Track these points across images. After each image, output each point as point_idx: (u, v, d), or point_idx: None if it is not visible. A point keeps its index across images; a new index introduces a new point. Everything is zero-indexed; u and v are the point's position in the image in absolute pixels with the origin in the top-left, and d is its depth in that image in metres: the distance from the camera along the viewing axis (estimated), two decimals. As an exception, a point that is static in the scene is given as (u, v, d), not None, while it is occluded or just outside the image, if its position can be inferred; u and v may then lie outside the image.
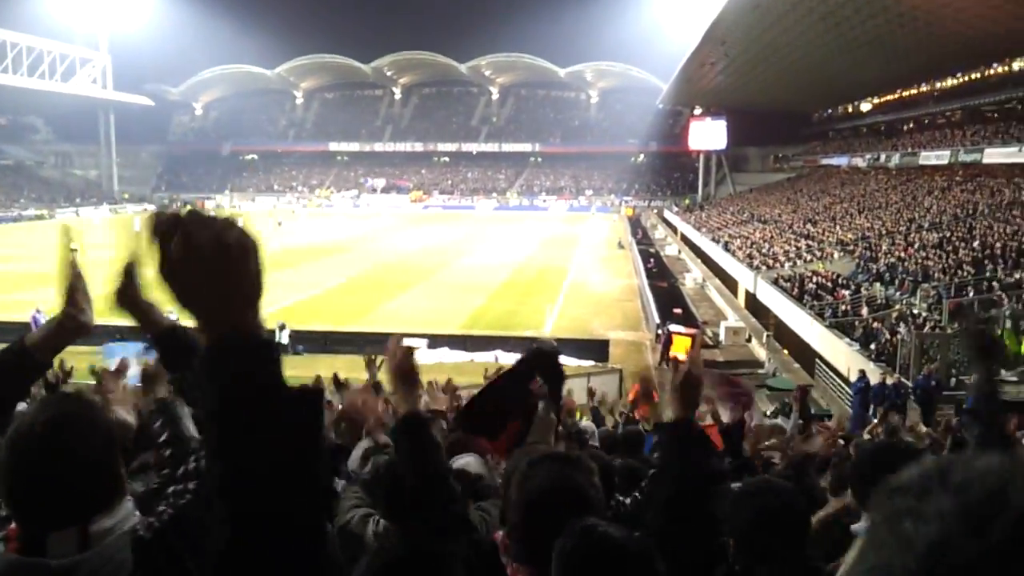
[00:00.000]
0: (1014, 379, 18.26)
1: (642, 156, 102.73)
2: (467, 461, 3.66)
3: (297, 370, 21.65)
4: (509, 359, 24.99)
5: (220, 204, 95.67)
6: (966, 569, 0.58)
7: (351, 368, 23.45)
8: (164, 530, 1.59)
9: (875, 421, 11.65)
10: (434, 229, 67.42)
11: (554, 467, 1.95)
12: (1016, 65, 49.41)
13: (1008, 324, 19.43)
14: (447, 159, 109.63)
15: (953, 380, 17.67)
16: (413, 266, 44.07)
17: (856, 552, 0.66)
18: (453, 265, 45.13)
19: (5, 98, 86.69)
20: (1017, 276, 23.77)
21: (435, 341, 25.64)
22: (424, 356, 24.92)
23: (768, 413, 16.18)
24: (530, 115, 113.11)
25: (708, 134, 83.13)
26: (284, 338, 25.07)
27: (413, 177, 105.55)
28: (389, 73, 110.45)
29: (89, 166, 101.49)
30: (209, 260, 1.07)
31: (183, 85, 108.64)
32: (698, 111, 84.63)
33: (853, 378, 18.20)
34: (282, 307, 31.08)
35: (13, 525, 1.54)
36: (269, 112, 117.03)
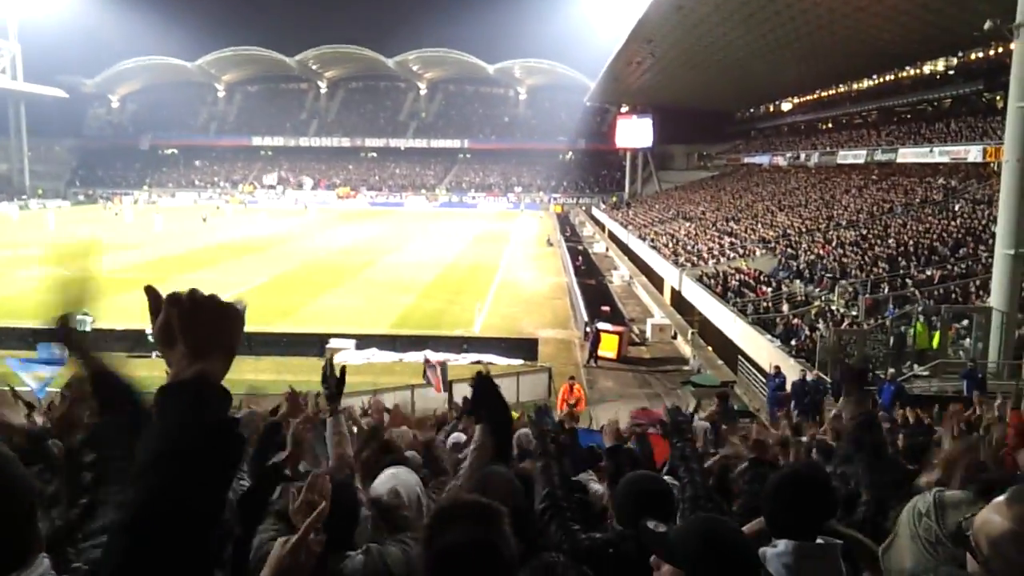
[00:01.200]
0: (926, 374, 18.97)
1: (570, 153, 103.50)
2: (390, 474, 3.53)
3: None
4: (438, 358, 24.90)
5: (137, 200, 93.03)
6: None
7: (274, 370, 23.06)
8: None
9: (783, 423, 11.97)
10: (362, 226, 66.67)
11: (464, 520, 1.84)
12: (927, 68, 51.41)
13: (920, 319, 20.17)
14: (375, 155, 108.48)
15: (870, 375, 18.21)
16: (340, 264, 43.47)
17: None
18: (381, 263, 44.69)
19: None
20: (929, 272, 24.68)
21: (364, 341, 25.35)
22: (352, 357, 24.63)
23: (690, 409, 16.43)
24: (459, 111, 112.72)
25: (635, 132, 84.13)
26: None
27: (340, 173, 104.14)
28: (315, 67, 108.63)
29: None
30: (213, 320, 1.43)
31: (99, 76, 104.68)
32: (625, 109, 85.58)
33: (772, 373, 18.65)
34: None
35: None
36: (190, 105, 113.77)
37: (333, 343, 25.26)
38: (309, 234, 59.76)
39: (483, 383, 3.77)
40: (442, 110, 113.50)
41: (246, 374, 22.25)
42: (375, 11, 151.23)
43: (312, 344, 25.04)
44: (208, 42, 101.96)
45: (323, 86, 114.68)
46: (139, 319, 26.61)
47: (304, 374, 22.45)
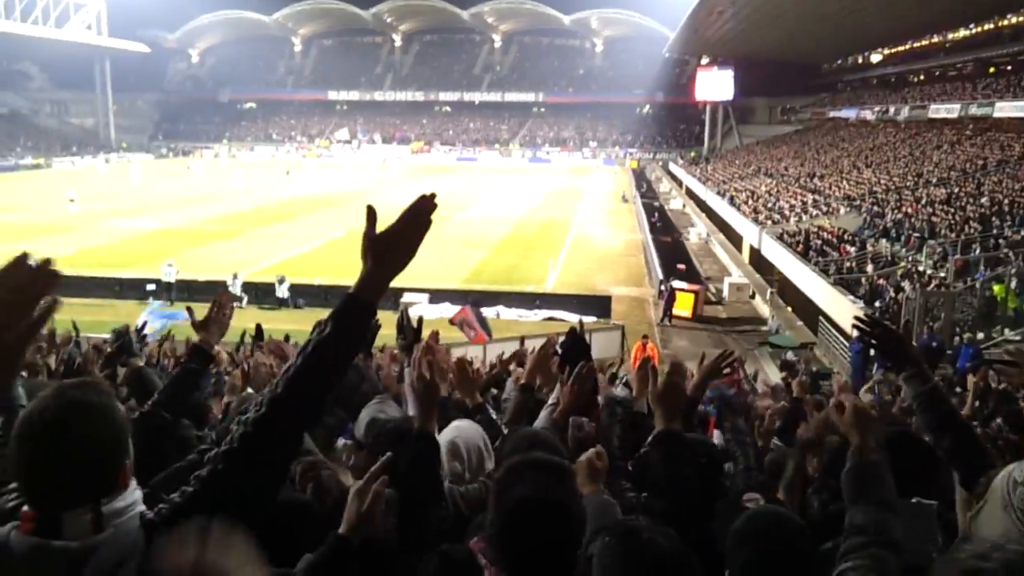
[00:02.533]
0: (1017, 339, 18.08)
1: (648, 107, 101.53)
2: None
3: (299, 324, 21.51)
4: (511, 314, 24.88)
5: (217, 153, 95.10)
6: None
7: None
8: (173, 514, 1.63)
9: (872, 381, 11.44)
10: (436, 181, 66.84)
11: (536, 476, 1.86)
12: (1030, 16, 48.46)
13: (1014, 283, 19.16)
14: (449, 109, 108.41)
15: (956, 339, 17.45)
16: (415, 219, 43.73)
17: None
18: (455, 218, 44.74)
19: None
20: (1024, 233, 23.43)
21: (436, 296, 25.47)
22: (425, 311, 24.77)
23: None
24: (534, 64, 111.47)
25: (715, 85, 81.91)
26: (284, 292, 24.94)
27: (414, 127, 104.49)
28: (389, 20, 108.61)
29: (85, 114, 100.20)
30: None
31: (179, 31, 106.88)
32: (705, 61, 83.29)
33: (855, 335, 17.99)
34: (282, 259, 30.93)
35: (26, 508, 1.57)
36: (267, 59, 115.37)
37: (407, 297, 25.46)
38: (383, 189, 60.22)
39: (576, 339, 3.61)
40: (516, 63, 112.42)
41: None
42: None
43: (387, 298, 25.06)
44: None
45: (398, 39, 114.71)
46: (220, 271, 27.29)
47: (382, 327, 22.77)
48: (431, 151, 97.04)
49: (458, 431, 3.32)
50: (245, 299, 25.39)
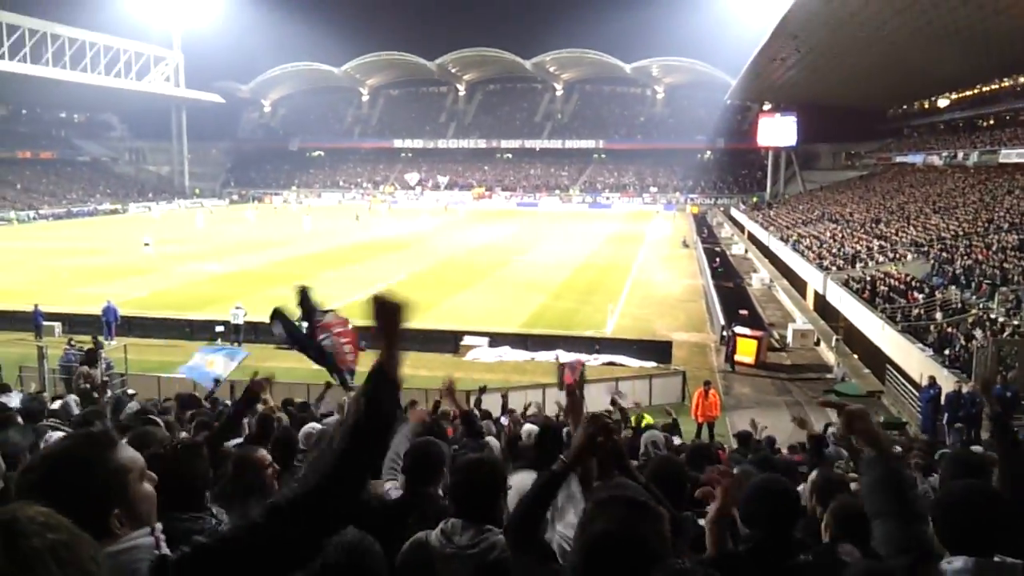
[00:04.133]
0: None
1: (709, 153, 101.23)
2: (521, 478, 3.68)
3: (361, 365, 21.78)
4: (569, 358, 24.82)
5: (287, 199, 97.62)
6: None
7: (410, 365, 23.55)
8: (194, 555, 1.68)
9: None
10: (496, 226, 67.49)
11: (619, 512, 1.92)
12: (1106, 58, 47.21)
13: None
14: (510, 156, 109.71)
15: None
16: (475, 263, 44.17)
17: None
18: (515, 263, 45.07)
19: (83, 96, 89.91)
20: (1104, 281, 22.62)
21: (496, 339, 25.61)
22: (485, 354, 24.92)
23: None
24: (595, 111, 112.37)
25: (777, 130, 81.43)
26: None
27: (476, 174, 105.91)
28: (454, 70, 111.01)
29: (162, 162, 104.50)
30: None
31: (252, 82, 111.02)
32: (767, 107, 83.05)
33: (924, 384, 17.53)
34: (349, 301, 31.45)
35: None
36: (335, 109, 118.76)
37: (467, 340, 25.67)
38: (446, 233, 61.04)
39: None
40: (577, 110, 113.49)
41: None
42: (512, 13, 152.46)
43: (447, 340, 25.53)
44: (352, 47, 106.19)
45: (461, 88, 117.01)
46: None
47: (439, 369, 22.95)
48: (492, 196, 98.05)
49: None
50: (365, 345, 25.82)
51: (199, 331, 27.00)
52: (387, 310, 2.04)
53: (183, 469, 2.77)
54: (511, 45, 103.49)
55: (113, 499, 1.72)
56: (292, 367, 24.10)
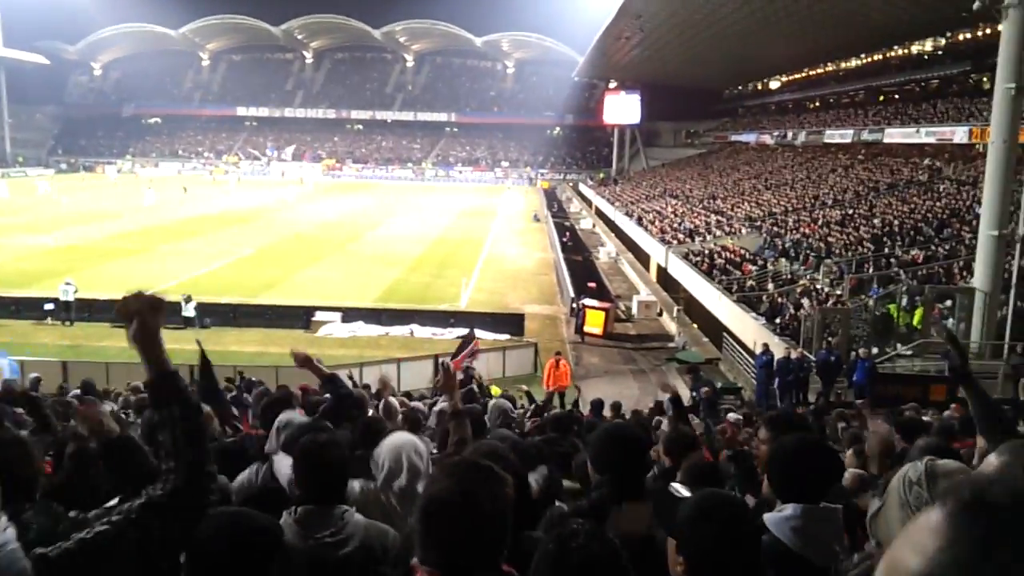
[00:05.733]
0: (909, 353, 19.15)
1: (558, 129, 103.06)
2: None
3: (206, 344, 20.88)
4: (425, 332, 24.92)
5: (120, 168, 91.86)
6: None
7: (260, 342, 22.99)
8: (73, 552, 1.66)
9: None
10: (347, 199, 66.31)
11: (458, 473, 1.97)
12: (915, 48, 51.38)
13: (904, 300, 20.31)
14: (361, 127, 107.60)
15: (852, 355, 18.36)
16: (326, 237, 43.29)
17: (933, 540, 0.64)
18: (367, 236, 44.54)
19: None
20: (914, 253, 24.84)
21: (349, 314, 25.30)
22: (338, 330, 24.60)
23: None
24: (446, 84, 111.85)
25: (623, 108, 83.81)
26: (190, 311, 24.27)
27: (326, 145, 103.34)
28: (300, 36, 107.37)
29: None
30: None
31: (81, 43, 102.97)
32: (613, 85, 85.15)
33: (758, 351, 18.74)
34: (189, 278, 30.16)
35: None
36: (174, 74, 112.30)
37: (319, 316, 25.22)
38: (294, 206, 59.39)
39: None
40: (429, 83, 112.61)
41: (230, 346, 22.23)
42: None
43: (297, 316, 25.01)
44: (192, 10, 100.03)
45: (308, 56, 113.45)
46: (122, 289, 26.42)
47: (290, 346, 22.46)
48: (343, 169, 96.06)
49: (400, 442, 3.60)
50: (207, 320, 24.57)
51: (27, 309, 25.26)
52: (136, 311, 1.95)
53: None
54: (360, 13, 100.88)
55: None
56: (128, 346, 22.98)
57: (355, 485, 3.44)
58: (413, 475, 3.37)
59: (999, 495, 0.64)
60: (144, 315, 1.94)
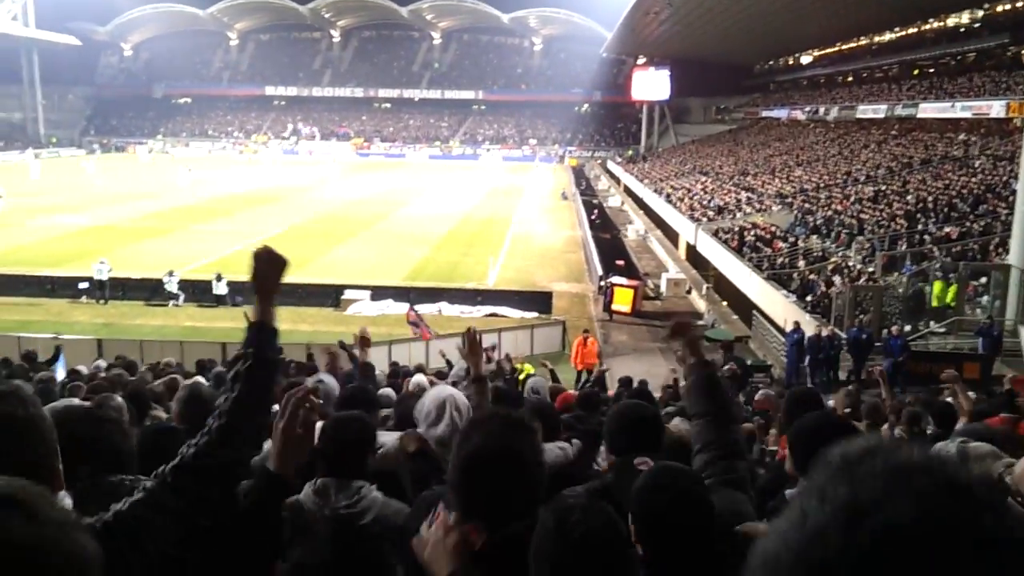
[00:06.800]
0: (942, 330, 18.93)
1: (586, 106, 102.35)
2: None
3: (236, 321, 21.21)
4: (453, 310, 25.00)
5: (152, 148, 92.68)
6: (831, 564, 0.59)
7: (290, 320, 23.22)
8: (114, 522, 1.71)
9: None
10: (376, 177, 66.51)
11: (493, 428, 2.02)
12: (951, 21, 50.26)
13: (939, 276, 20.04)
14: (388, 105, 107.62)
15: (884, 332, 18.17)
16: (354, 216, 43.49)
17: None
18: (395, 215, 44.66)
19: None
20: (948, 229, 24.43)
21: (378, 293, 25.46)
22: (367, 308, 24.77)
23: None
24: (473, 61, 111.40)
25: (651, 84, 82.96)
26: (221, 289, 24.63)
27: (354, 124, 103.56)
28: (327, 15, 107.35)
29: (12, 108, 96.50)
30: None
31: (111, 24, 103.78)
32: (642, 61, 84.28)
33: (789, 329, 18.60)
34: (220, 257, 30.49)
35: None
36: (202, 54, 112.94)
37: (348, 294, 25.41)
38: (324, 185, 59.66)
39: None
40: (456, 60, 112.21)
41: (263, 323, 22.45)
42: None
43: (328, 295, 25.20)
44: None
45: (336, 35, 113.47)
46: (155, 268, 26.80)
47: (321, 324, 22.68)
48: (371, 147, 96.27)
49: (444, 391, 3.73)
50: (182, 297, 25.03)
51: (62, 288, 25.70)
52: (266, 264, 2.20)
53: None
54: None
55: (48, 453, 1.72)
56: (162, 324, 23.35)
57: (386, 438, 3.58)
58: (452, 428, 3.42)
59: (839, 452, 0.69)
60: (263, 265, 2.19)
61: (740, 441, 2.69)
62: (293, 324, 22.36)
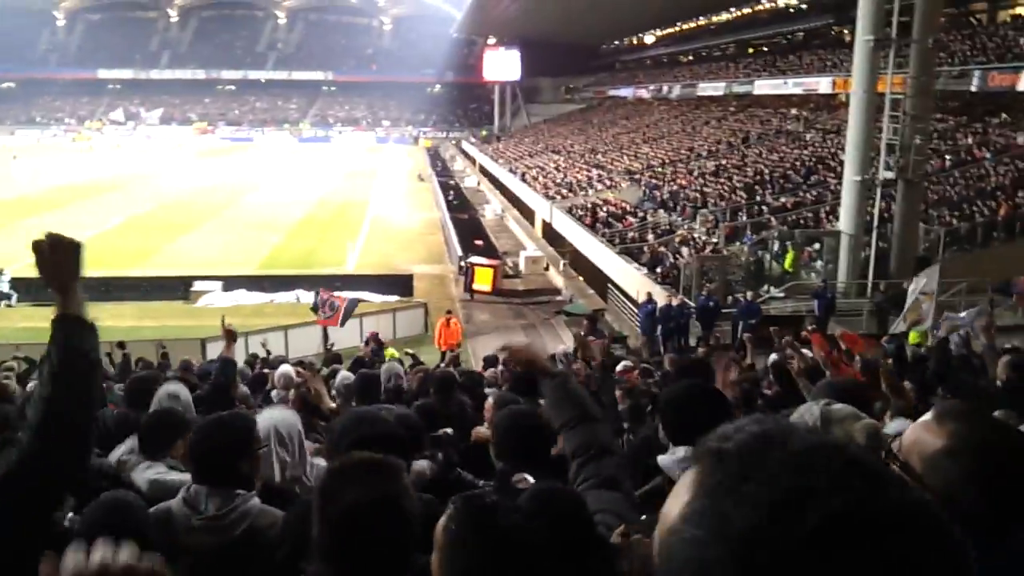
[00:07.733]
0: (781, 295, 20.15)
1: (439, 86, 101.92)
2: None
3: (28, 321, 19.94)
4: (310, 298, 24.43)
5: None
6: (778, 561, 0.58)
7: (136, 316, 22.12)
8: None
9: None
10: (222, 162, 63.97)
11: (363, 477, 1.79)
12: (782, 2, 53.12)
13: (776, 245, 21.31)
14: (233, 87, 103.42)
15: (730, 299, 19.19)
16: (201, 203, 41.71)
17: (677, 516, 0.66)
18: (245, 201, 43.18)
19: None
20: (783, 200, 26.00)
21: (230, 283, 24.57)
22: (219, 299, 23.89)
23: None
24: (321, 42, 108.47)
25: (503, 64, 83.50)
26: (3, 286, 23.35)
27: (196, 107, 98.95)
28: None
29: None
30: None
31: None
32: (492, 41, 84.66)
33: (642, 300, 19.31)
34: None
35: None
36: (26, 34, 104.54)
37: (198, 285, 24.40)
38: (166, 172, 56.84)
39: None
40: (303, 41, 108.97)
41: (105, 320, 21.16)
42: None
43: (175, 288, 24.11)
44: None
45: (173, 14, 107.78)
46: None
47: (169, 318, 21.69)
48: (215, 131, 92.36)
49: (274, 419, 3.43)
50: (15, 296, 23.39)
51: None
52: (51, 254, 1.94)
53: None
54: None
55: None
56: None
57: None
58: (282, 465, 3.27)
59: (732, 444, 0.68)
60: (49, 256, 1.93)
61: (606, 437, 2.59)
62: (138, 320, 21.30)
